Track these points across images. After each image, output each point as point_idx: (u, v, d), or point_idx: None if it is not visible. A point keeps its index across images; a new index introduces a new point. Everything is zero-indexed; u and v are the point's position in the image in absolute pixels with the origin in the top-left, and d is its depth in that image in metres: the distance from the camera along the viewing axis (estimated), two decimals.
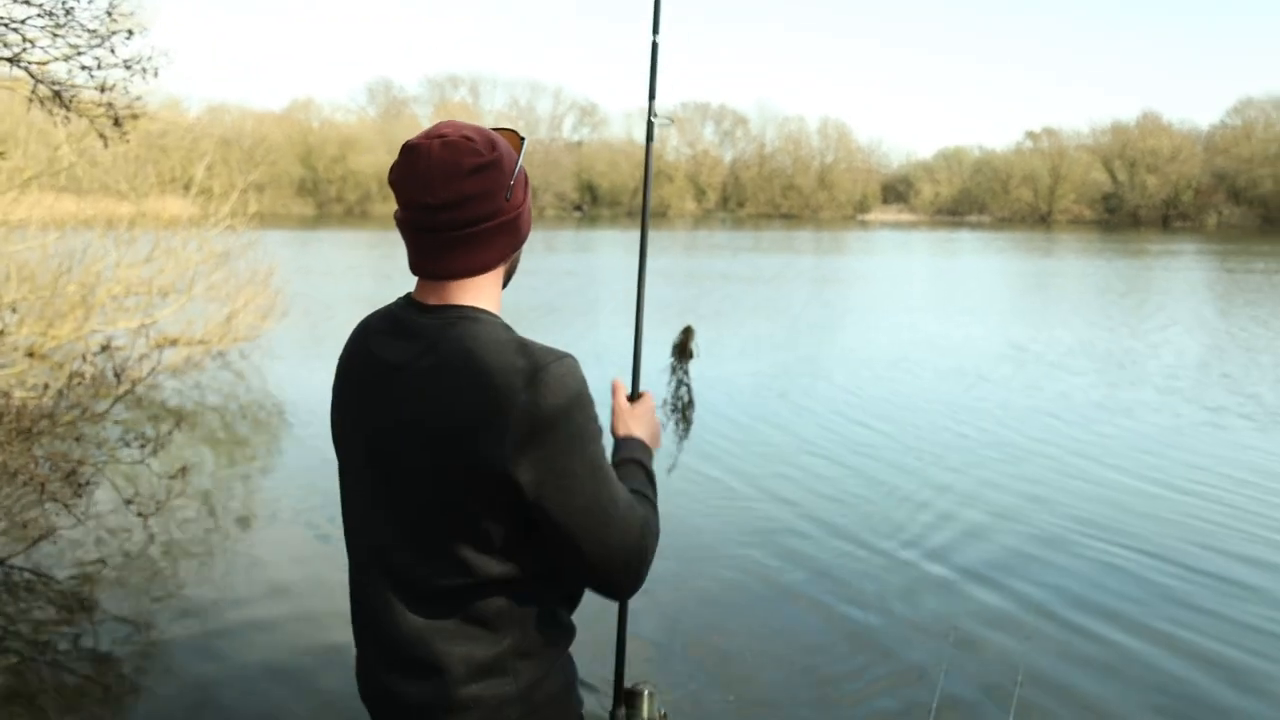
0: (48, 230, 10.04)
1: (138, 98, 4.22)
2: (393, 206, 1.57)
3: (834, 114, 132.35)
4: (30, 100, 4.22)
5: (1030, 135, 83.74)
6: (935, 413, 9.17)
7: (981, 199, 79.55)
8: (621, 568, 1.47)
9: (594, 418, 1.47)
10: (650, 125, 1.74)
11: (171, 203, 11.64)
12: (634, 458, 1.68)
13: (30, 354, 9.51)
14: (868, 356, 12.47)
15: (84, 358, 6.28)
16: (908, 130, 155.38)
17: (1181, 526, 5.98)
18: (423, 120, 78.54)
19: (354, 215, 64.46)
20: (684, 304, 18.60)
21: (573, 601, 1.60)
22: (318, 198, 69.97)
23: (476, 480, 1.41)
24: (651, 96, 1.81)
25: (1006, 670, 3.97)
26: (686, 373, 2.31)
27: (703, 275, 25.65)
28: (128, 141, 4.41)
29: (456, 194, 1.44)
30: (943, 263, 33.82)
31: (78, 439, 4.99)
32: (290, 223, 50.86)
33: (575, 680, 1.62)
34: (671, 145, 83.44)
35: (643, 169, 1.86)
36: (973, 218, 76.81)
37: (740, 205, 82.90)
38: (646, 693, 1.76)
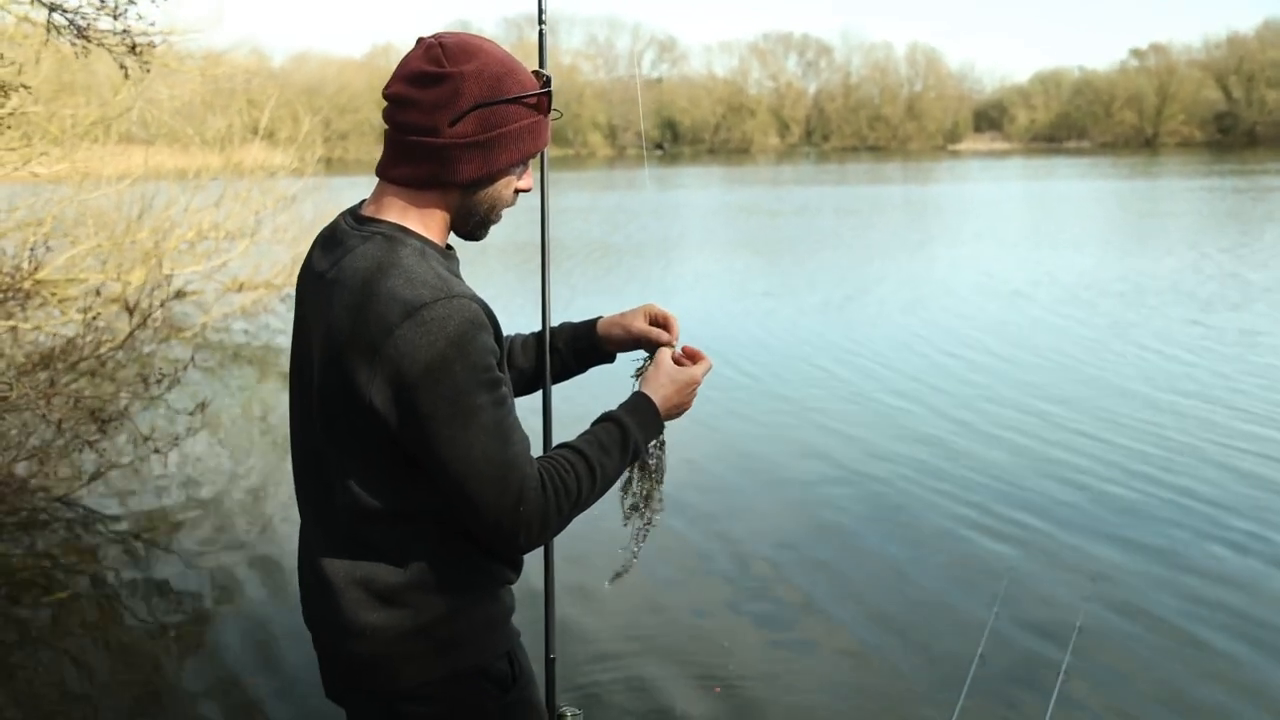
0: (121, 179, 10.22)
1: (152, 24, 4.11)
2: None
3: (923, 39, 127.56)
4: (49, 31, 4.15)
5: (1135, 53, 78.99)
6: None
7: (1081, 124, 75.64)
8: (493, 527, 1.39)
9: (476, 366, 1.33)
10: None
11: (239, 150, 11.72)
12: (615, 416, 1.55)
13: (110, 300, 9.75)
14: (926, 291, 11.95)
15: (155, 301, 6.36)
16: (1002, 53, 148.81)
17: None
18: None
19: None
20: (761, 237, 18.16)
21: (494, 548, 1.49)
22: None
23: (349, 404, 1.37)
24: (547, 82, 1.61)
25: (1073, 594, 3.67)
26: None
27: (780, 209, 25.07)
28: (148, 72, 4.33)
29: (399, 93, 1.41)
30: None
31: (132, 379, 5.02)
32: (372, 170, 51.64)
33: (499, 625, 1.52)
34: (754, 78, 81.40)
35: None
36: (1071, 144, 73.17)
37: (825, 139, 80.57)
38: (569, 714, 1.77)
